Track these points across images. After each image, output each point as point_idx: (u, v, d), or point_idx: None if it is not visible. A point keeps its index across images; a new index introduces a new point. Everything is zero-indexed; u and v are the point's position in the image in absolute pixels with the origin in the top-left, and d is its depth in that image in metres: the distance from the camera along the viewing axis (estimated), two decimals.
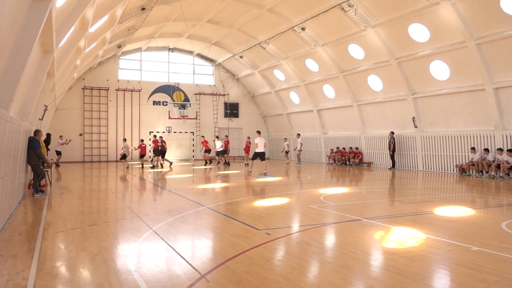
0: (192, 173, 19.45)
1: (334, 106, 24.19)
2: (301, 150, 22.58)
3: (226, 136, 24.20)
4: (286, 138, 25.95)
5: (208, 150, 23.64)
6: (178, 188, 13.25)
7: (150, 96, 28.82)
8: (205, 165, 23.27)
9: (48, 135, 20.83)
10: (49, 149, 19.75)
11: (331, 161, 24.44)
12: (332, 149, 24.63)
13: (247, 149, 23.93)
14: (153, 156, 22.10)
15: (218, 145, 23.48)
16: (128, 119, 28.19)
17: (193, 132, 29.58)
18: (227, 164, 23.29)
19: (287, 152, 25.10)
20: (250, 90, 31.60)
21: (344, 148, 23.86)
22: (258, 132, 18.32)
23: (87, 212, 8.54)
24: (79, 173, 18.81)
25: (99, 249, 5.70)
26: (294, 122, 28.72)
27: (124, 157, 21.02)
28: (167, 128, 28.99)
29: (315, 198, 10.41)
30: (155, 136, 23.17)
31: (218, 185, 13.71)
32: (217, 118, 30.43)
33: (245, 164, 23.71)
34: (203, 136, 24.90)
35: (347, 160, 23.19)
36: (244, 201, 9.97)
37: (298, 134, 23.28)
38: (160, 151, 21.74)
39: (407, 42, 17.76)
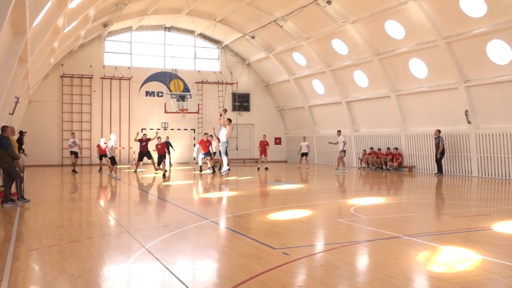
0: (193, 179, 19.57)
1: (367, 97, 24.08)
2: (344, 151, 22.13)
3: (206, 133, 22.29)
4: (305, 137, 25.85)
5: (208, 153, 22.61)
6: (176, 197, 13.30)
7: (142, 85, 29.07)
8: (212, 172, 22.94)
9: (21, 133, 20.97)
10: (23, 150, 19.77)
11: (363, 165, 24.35)
12: (364, 150, 24.53)
13: (263, 151, 23.86)
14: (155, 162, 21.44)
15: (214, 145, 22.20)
16: (116, 114, 28.49)
17: (194, 129, 29.77)
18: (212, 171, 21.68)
19: (304, 155, 24.94)
20: (263, 77, 31.68)
21: (379, 149, 23.74)
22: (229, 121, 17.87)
23: (67, 226, 8.64)
24: (56, 179, 19.05)
25: (81, 271, 5.76)
26: (317, 117, 28.67)
27: (113, 161, 19.27)
28: (163, 124, 29.19)
29: (343, 210, 10.39)
30: (159, 137, 21.66)
31: (224, 194, 13.75)
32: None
33: (258, 168, 23.76)
34: (208, 134, 24.65)
35: (383, 164, 23.07)
36: (257, 213, 9.98)
37: (339, 131, 22.57)
38: (161, 155, 21.12)
39: (459, 18, 17.57)
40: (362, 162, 24.41)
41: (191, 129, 29.75)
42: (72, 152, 22.54)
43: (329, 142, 23.88)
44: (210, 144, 21.78)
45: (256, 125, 31.60)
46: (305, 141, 25.56)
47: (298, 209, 10.57)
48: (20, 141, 20.11)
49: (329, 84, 26.06)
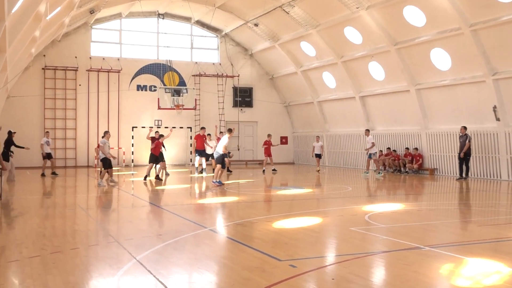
0: (189, 183, 19.56)
1: (383, 91, 24.05)
2: (375, 153, 21.76)
3: (203, 128, 22.07)
4: (318, 137, 25.77)
5: (202, 152, 22.30)
6: (170, 203, 13.33)
7: (133, 78, 29.12)
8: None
9: (10, 133, 20.57)
10: (11, 153, 19.37)
11: (380, 167, 24.30)
12: (381, 151, 24.50)
13: (267, 151, 23.90)
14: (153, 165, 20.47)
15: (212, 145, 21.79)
16: (104, 110, 28.56)
17: (190, 128, 29.80)
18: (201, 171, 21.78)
19: (318, 156, 24.92)
20: (268, 70, 31.72)
21: (394, 150, 23.70)
22: (229, 131, 17.76)
23: (49, 235, 8.65)
24: (38, 183, 19.11)
25: (65, 285, 5.77)
26: (328, 113, 28.66)
27: (107, 164, 17.59)
28: (156, 122, 29.25)
29: (357, 217, 10.40)
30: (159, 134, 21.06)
31: (225, 200, 13.78)
32: (223, 109, 30.62)
33: (263, 170, 23.77)
34: (205, 129, 24.55)
35: (402, 166, 23.03)
36: (261, 221, 9.99)
37: (367, 131, 22.21)
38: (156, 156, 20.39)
39: (487, 3, 17.51)
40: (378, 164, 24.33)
41: (188, 127, 29.75)
42: (47, 155, 22.04)
43: (366, 149, 23.05)
44: (205, 140, 21.76)
45: (260, 122, 31.58)
46: (319, 141, 25.38)
47: (306, 216, 10.58)
48: (9, 142, 19.76)
49: (341, 77, 26.05)
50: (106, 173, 17.71)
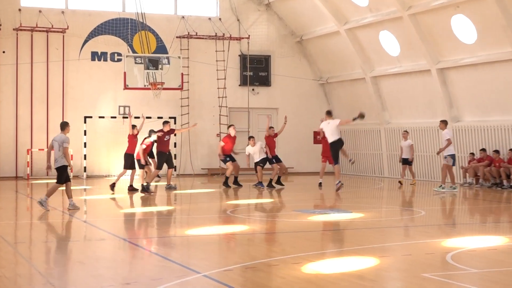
0: (174, 201, 19.57)
1: (473, 61, 23.90)
2: (452, 156, 21.49)
3: (232, 125, 23.40)
4: (406, 132, 25.42)
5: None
6: (143, 235, 13.32)
7: (86, 42, 29.17)
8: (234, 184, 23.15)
9: None
10: None
11: (469, 180, 24.09)
12: (472, 154, 24.32)
13: (326, 153, 23.51)
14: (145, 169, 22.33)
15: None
16: (41, 90, 28.64)
17: (174, 118, 29.72)
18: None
19: (406, 162, 24.49)
20: (294, 28, 31.65)
21: (497, 151, 23.49)
22: (328, 113, 18.87)
23: None
24: None
25: None
26: (388, 95, 28.55)
27: (65, 175, 17.28)
28: (121, 109, 29.28)
29: (434, 257, 10.32)
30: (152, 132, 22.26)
31: (228, 229, 13.74)
32: (224, 88, 30.63)
33: (319, 183, 23.83)
34: (234, 126, 24.26)
35: (506, 177, 22.82)
36: (283, 263, 9.93)
37: (444, 122, 22.23)
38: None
39: None
40: (468, 174, 24.17)
41: (171, 118, 29.63)
42: None
43: (438, 152, 23.06)
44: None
45: (282, 110, 31.28)
46: (407, 138, 25.00)
47: (355, 255, 10.49)
48: None
49: (408, 39, 25.86)
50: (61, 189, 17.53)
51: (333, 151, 20.72)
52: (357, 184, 26.60)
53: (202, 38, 30.50)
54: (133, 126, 21.59)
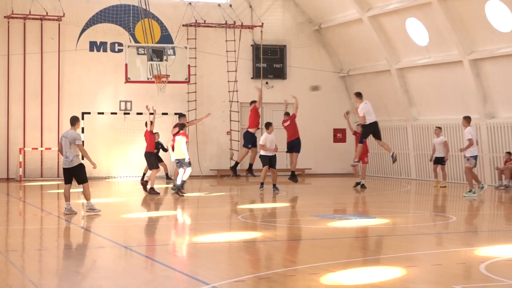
0: (180, 205, 19.63)
1: (510, 51, 23.69)
2: (474, 157, 21.38)
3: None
4: (439, 128, 25.33)
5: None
6: (145, 242, 13.31)
7: (84, 31, 29.21)
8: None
9: None
10: None
11: (505, 182, 23.98)
12: (508, 153, 24.20)
13: (364, 153, 23.82)
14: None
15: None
16: (34, 85, 28.66)
17: (180, 114, 29.65)
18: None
19: (440, 162, 24.44)
20: (313, 15, 31.63)
21: None
22: (358, 95, 19.94)
23: None
24: None
25: None
26: (416, 89, 28.47)
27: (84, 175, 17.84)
28: (122, 104, 29.34)
29: (466, 267, 10.31)
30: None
31: (239, 236, 13.70)
32: (235, 82, 30.64)
33: (361, 184, 23.90)
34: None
35: None
36: (300, 273, 9.88)
37: (467, 119, 21.94)
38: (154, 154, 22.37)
39: None
40: (504, 176, 24.06)
41: (175, 114, 29.59)
42: None
43: (462, 150, 23.11)
44: None
45: (299, 104, 31.34)
46: (440, 134, 24.90)
47: (379, 265, 10.50)
48: None
49: (438, 27, 25.79)
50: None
51: (368, 131, 22.32)
52: (382, 187, 26.51)
53: (211, 27, 30.49)
54: (151, 122, 22.07)
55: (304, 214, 18.04)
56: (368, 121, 22.18)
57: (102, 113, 28.81)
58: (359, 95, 22.73)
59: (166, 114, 29.53)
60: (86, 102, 28.97)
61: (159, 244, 13.05)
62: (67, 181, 16.97)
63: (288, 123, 23.81)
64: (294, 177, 23.09)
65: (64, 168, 17.04)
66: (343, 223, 15.52)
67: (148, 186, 21.69)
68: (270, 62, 31.26)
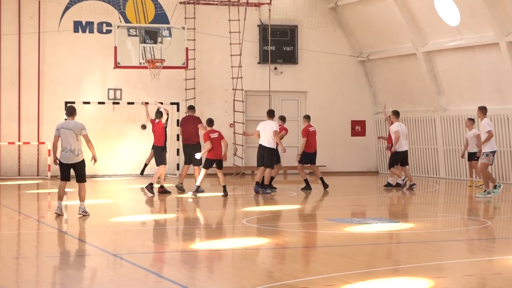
0: (177, 207, 19.53)
1: None
2: (493, 153, 21.31)
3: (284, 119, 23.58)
4: (472, 119, 25.33)
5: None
6: (139, 249, 13.34)
7: (67, 9, 29.30)
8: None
9: None
10: None
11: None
12: None
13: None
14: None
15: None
16: (11, 69, 28.88)
17: (177, 104, 29.74)
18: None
19: (473, 157, 24.48)
20: None
21: None
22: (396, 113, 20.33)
23: None
24: None
25: None
26: (445, 75, 28.54)
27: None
28: (111, 92, 29.36)
29: (502, 278, 10.21)
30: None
31: (245, 242, 13.71)
32: (240, 67, 30.67)
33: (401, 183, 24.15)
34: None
35: None
36: (315, 284, 9.81)
37: (482, 110, 21.95)
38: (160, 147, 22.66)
39: None
40: None
41: (172, 103, 29.66)
42: None
43: (482, 143, 23.27)
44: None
45: (312, 93, 31.55)
46: (472, 126, 24.84)
47: (402, 275, 10.46)
48: None
49: (471, 5, 25.81)
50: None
51: (398, 159, 23.54)
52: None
53: (212, 4, 30.61)
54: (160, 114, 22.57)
55: (318, 217, 18.14)
56: (399, 149, 23.14)
57: (88, 103, 28.80)
58: (396, 113, 24.25)
59: (162, 103, 29.51)
60: (70, 90, 29.11)
61: (152, 251, 13.03)
62: (65, 178, 17.26)
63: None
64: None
65: (64, 164, 17.16)
66: (362, 228, 15.50)
67: (156, 185, 22.05)
68: (279, 44, 31.36)
